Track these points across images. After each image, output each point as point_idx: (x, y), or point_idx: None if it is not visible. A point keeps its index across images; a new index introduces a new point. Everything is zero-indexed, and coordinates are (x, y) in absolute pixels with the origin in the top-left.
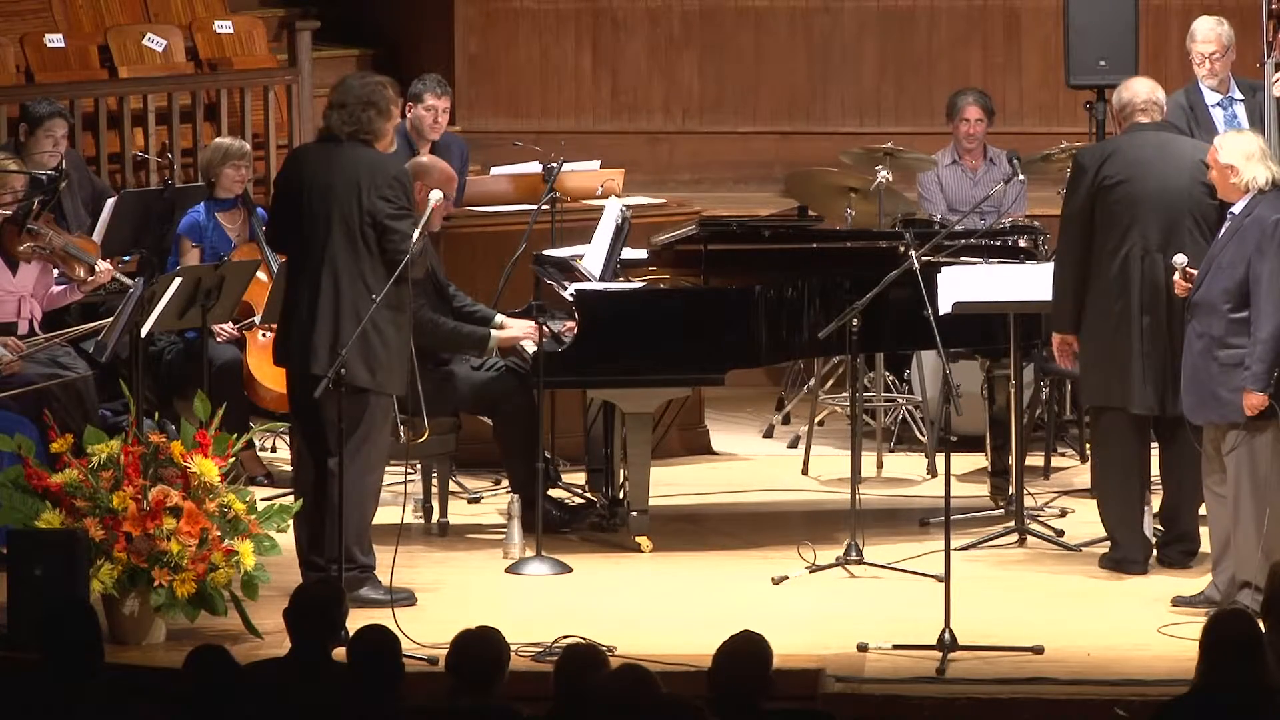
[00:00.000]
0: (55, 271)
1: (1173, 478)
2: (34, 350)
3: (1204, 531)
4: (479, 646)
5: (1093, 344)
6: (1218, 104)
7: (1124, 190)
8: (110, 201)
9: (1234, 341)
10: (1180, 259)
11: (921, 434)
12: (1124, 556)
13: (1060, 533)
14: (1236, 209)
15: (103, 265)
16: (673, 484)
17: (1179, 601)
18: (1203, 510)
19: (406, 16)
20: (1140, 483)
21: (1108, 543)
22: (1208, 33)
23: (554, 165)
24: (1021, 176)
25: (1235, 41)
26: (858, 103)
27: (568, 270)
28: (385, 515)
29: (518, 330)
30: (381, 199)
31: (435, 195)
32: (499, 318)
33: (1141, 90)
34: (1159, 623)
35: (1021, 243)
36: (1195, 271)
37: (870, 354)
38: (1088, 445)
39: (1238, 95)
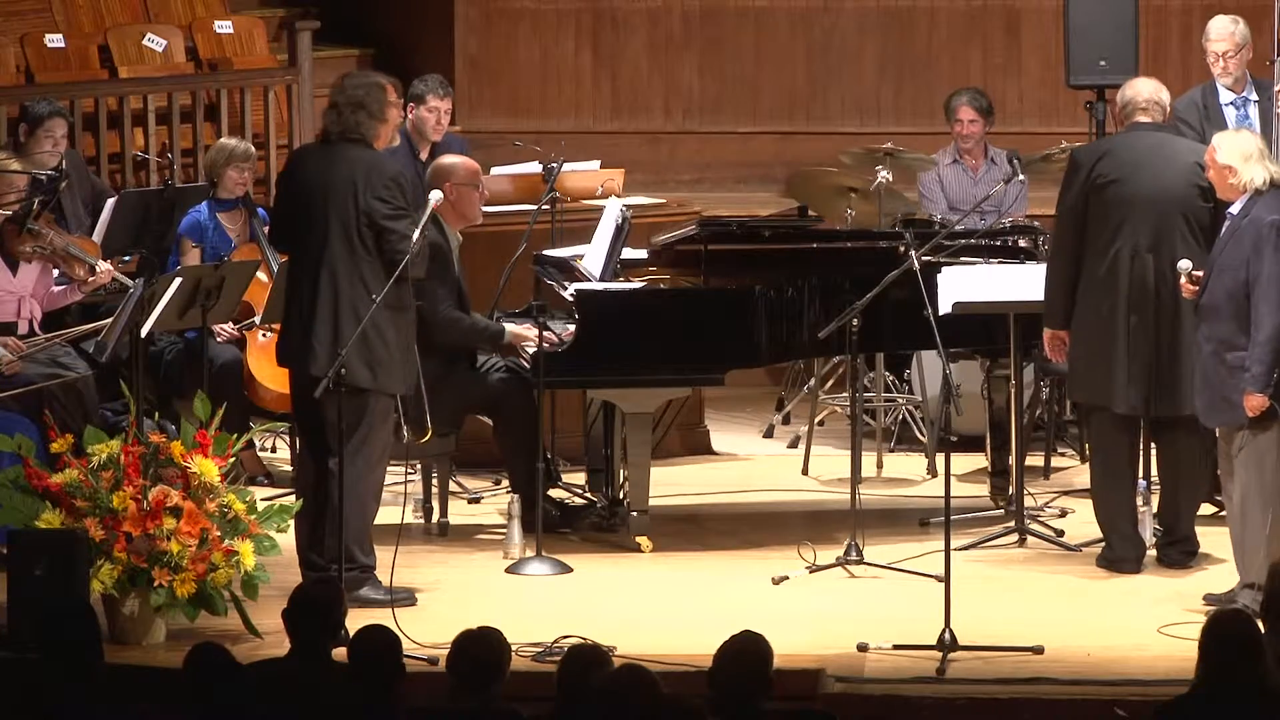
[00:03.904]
0: (55, 272)
1: (1170, 479)
2: (34, 350)
3: (1203, 531)
4: (479, 647)
5: (1080, 341)
6: (1231, 103)
7: (1116, 190)
8: (110, 201)
9: (1240, 343)
10: (1185, 264)
11: (921, 434)
12: (1116, 556)
13: (1060, 533)
14: (1234, 210)
15: (103, 265)
16: (673, 484)
17: (1210, 599)
18: (1204, 510)
19: (406, 16)
20: (1131, 482)
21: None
22: (1221, 31)
23: (554, 165)
24: (1022, 176)
25: (1251, 40)
26: (858, 103)
27: (568, 270)
28: (385, 515)
29: (531, 331)
30: (378, 199)
31: (435, 195)
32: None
33: (1144, 90)
34: (1159, 623)
35: (1021, 243)
36: (1201, 275)
37: (870, 354)
38: (1087, 445)
39: (1253, 95)
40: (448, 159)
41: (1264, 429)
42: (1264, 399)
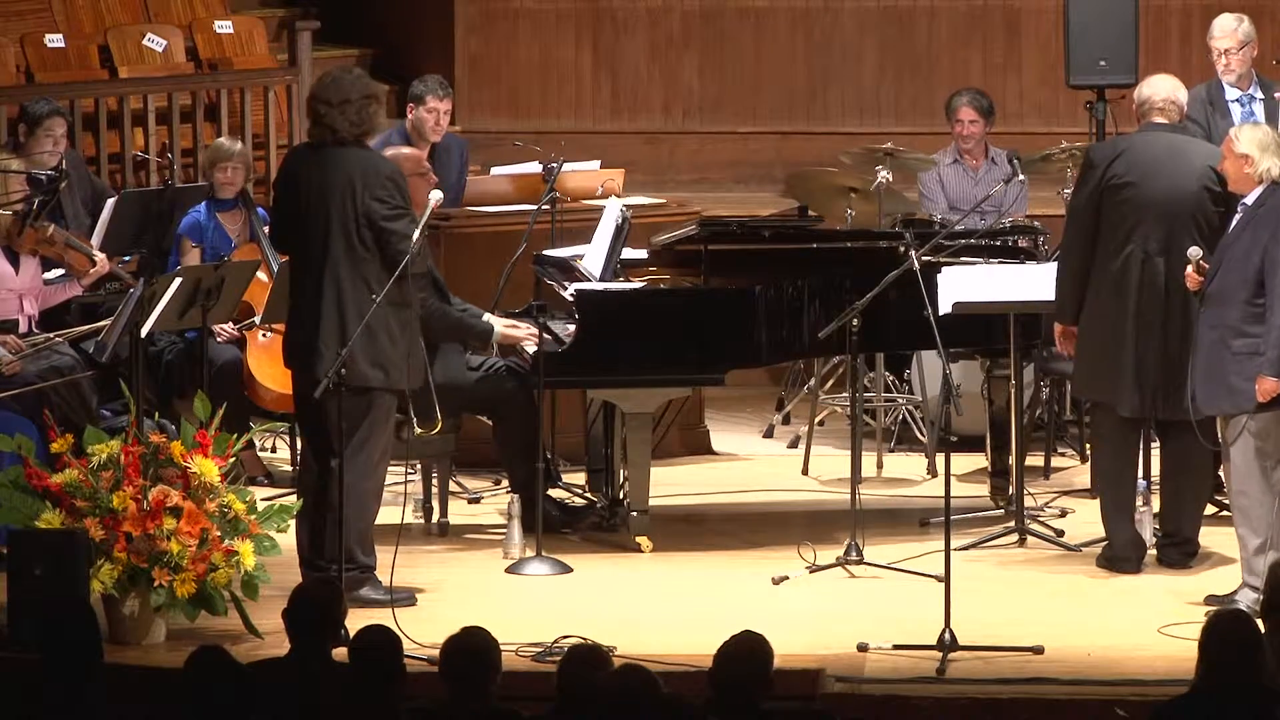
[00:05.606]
0: (58, 272)
1: (1172, 479)
2: (34, 350)
3: (1204, 531)
4: (467, 648)
5: (1088, 338)
6: (1236, 100)
7: (1130, 191)
8: (110, 201)
9: (1249, 330)
10: (1195, 251)
11: (921, 434)
12: (1116, 555)
13: (1060, 533)
14: (1249, 200)
15: (100, 256)
16: (673, 484)
17: (1212, 600)
18: (1209, 510)
19: (406, 16)
20: (1132, 481)
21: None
22: (1225, 29)
23: (554, 165)
24: (1022, 176)
25: (1255, 38)
26: (858, 103)
27: (568, 270)
28: (385, 515)
29: (520, 331)
30: (376, 200)
31: (436, 195)
32: (488, 316)
33: (1162, 89)
34: (1159, 623)
35: (1021, 243)
36: (1208, 265)
37: (870, 354)
38: (1088, 445)
39: (1258, 93)
40: (390, 151)
41: (1264, 417)
42: (1277, 383)
